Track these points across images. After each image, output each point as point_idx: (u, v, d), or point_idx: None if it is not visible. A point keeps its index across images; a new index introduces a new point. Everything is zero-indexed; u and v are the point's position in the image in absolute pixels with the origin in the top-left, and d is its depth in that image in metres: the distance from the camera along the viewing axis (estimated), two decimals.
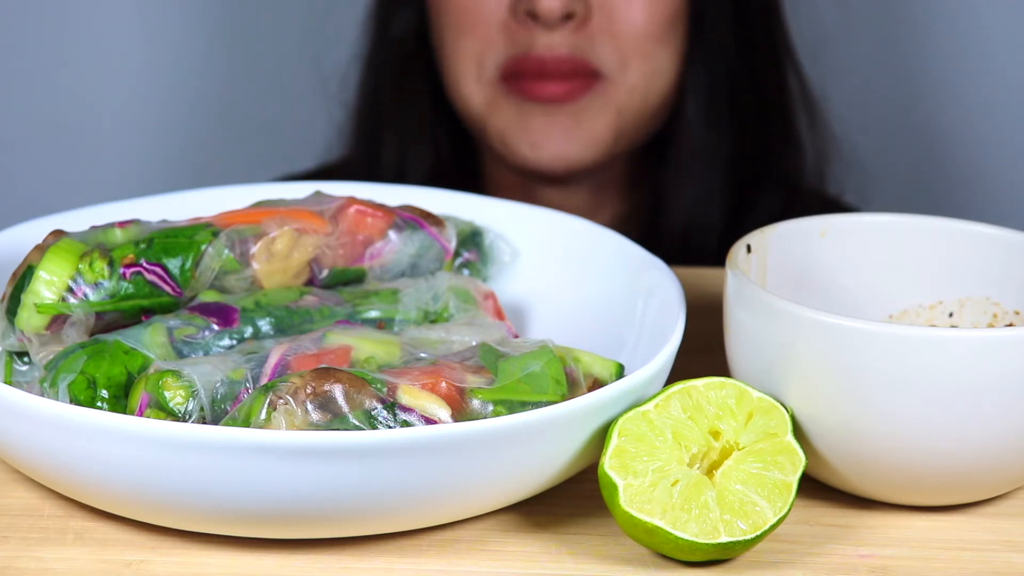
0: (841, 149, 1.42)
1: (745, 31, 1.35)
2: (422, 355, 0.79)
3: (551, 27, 1.25)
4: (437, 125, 1.38)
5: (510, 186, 1.38)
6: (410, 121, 1.38)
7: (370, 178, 1.37)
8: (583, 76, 1.27)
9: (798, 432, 0.77)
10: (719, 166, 1.35)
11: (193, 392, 0.75)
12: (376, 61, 1.40)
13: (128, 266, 0.81)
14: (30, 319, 0.80)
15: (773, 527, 0.73)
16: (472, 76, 1.29)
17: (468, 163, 1.40)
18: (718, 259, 1.29)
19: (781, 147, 1.39)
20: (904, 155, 1.80)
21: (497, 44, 1.27)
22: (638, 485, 0.73)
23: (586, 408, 0.74)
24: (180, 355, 0.80)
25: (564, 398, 0.76)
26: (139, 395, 0.76)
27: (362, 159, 1.41)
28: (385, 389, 0.74)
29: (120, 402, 0.77)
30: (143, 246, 0.82)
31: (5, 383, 0.79)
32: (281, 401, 0.72)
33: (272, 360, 0.77)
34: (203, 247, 0.83)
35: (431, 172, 1.38)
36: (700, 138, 1.34)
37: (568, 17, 1.25)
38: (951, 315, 0.87)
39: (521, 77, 1.27)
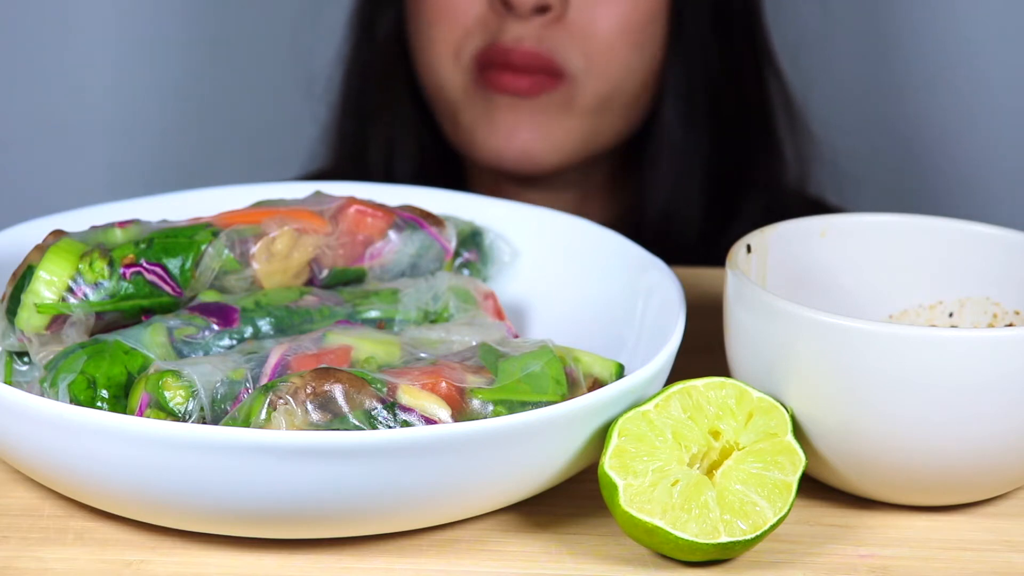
0: (822, 152, 1.43)
1: (725, 33, 1.36)
2: (422, 355, 0.79)
3: (523, 17, 1.25)
4: (422, 126, 1.38)
5: (492, 190, 1.38)
6: (395, 122, 1.38)
7: (356, 180, 1.37)
8: (547, 73, 1.27)
9: (798, 432, 0.77)
10: (697, 165, 1.35)
11: (193, 392, 0.75)
12: (360, 63, 1.41)
13: (128, 266, 0.81)
14: (30, 319, 0.80)
15: (773, 527, 0.73)
16: (449, 62, 1.30)
17: (454, 165, 1.41)
18: (697, 257, 1.29)
19: (762, 150, 1.39)
20: (885, 158, 1.80)
21: (473, 33, 1.28)
22: (638, 485, 0.73)
23: (586, 408, 0.74)
24: (180, 355, 0.80)
25: (564, 398, 0.76)
26: (139, 395, 0.76)
27: (348, 161, 1.41)
28: (385, 389, 0.74)
29: (120, 402, 0.77)
30: (143, 246, 0.82)
31: (5, 383, 0.79)
32: (281, 401, 0.72)
33: (272, 360, 0.77)
34: (203, 247, 0.83)
35: (417, 173, 1.38)
36: (678, 138, 1.34)
37: (543, 10, 1.26)
38: (951, 315, 0.87)
39: (488, 68, 1.28)
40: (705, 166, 1.36)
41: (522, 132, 1.28)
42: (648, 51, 1.30)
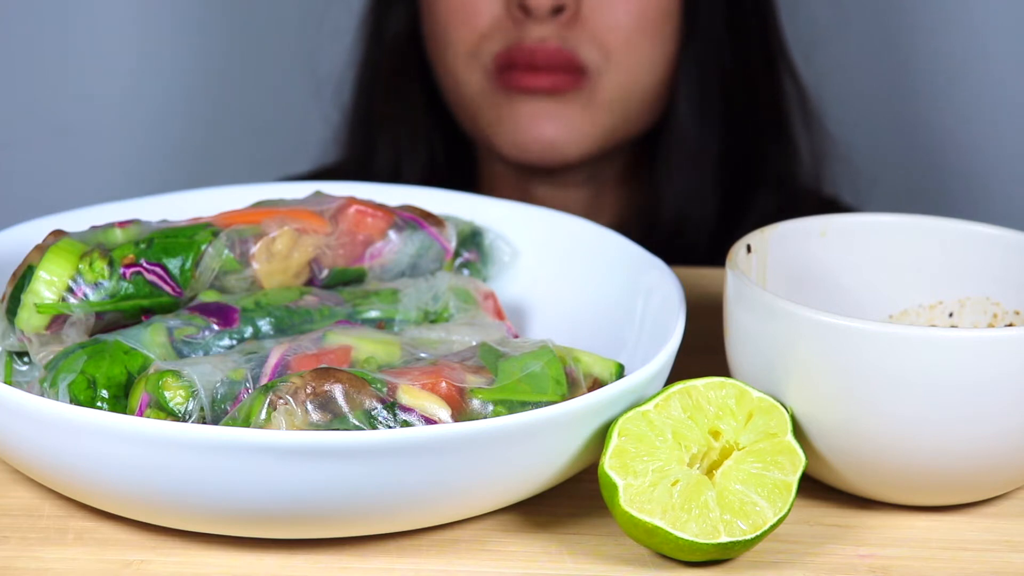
0: (838, 150, 1.43)
1: (738, 29, 1.36)
2: (422, 355, 0.79)
3: (541, 20, 1.26)
4: (432, 127, 1.39)
5: (506, 186, 1.38)
6: (405, 121, 1.39)
7: (365, 179, 1.37)
8: (570, 71, 1.28)
9: (798, 432, 0.77)
10: (711, 163, 1.36)
11: (193, 392, 0.75)
12: (371, 61, 1.41)
13: (128, 266, 0.81)
14: (30, 319, 0.80)
15: (773, 527, 0.73)
16: (466, 63, 1.31)
17: (462, 165, 1.41)
18: (710, 256, 1.30)
19: (776, 147, 1.40)
20: (899, 156, 1.80)
21: (491, 36, 1.29)
22: (638, 485, 0.73)
23: (586, 408, 0.74)
24: (180, 355, 0.80)
25: (564, 398, 0.76)
26: (139, 395, 0.76)
27: (357, 161, 1.41)
28: (385, 389, 0.74)
29: (120, 402, 0.77)
30: (143, 246, 0.82)
31: (5, 383, 0.79)
32: (281, 401, 0.72)
33: (272, 360, 0.77)
34: (203, 247, 0.83)
35: (426, 173, 1.38)
36: (692, 135, 1.35)
37: (558, 11, 1.27)
38: (951, 315, 0.87)
39: (512, 68, 1.28)
40: (718, 163, 1.36)
41: (545, 126, 1.30)
42: (664, 45, 1.31)
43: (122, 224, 0.84)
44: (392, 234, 0.88)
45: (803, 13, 1.48)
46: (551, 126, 1.30)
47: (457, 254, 0.92)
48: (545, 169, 1.33)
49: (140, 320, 0.82)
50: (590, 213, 1.38)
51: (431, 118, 1.39)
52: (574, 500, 0.79)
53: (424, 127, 1.39)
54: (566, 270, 0.93)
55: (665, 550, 0.73)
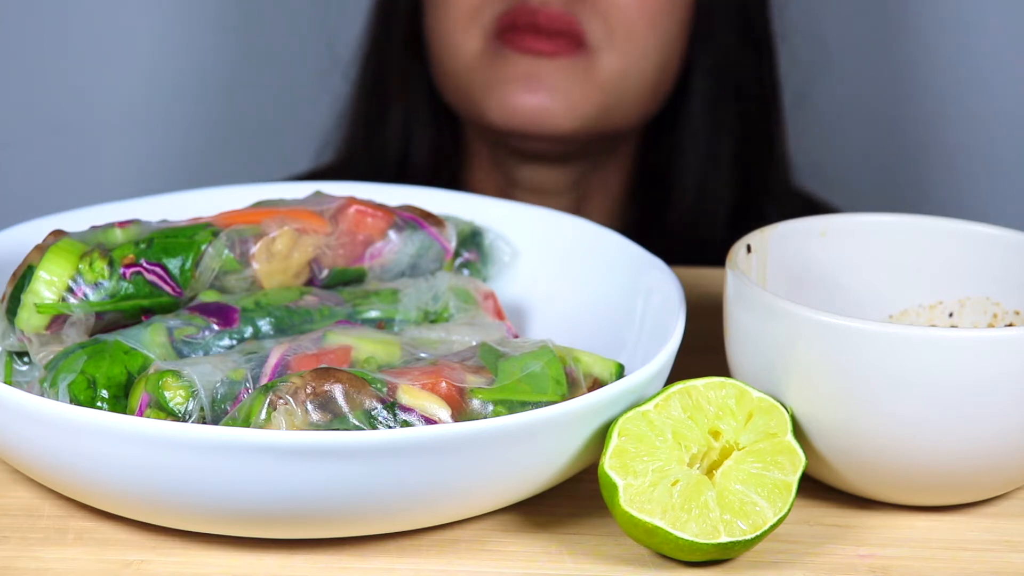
0: (830, 152, 1.44)
1: (747, 36, 1.37)
2: (422, 355, 0.79)
3: None
4: (437, 106, 1.39)
5: (490, 186, 1.38)
6: (415, 94, 1.39)
7: (374, 157, 1.38)
8: (570, 39, 1.28)
9: (798, 432, 0.77)
10: (724, 163, 1.36)
11: (193, 392, 0.75)
12: (381, 35, 1.41)
13: (128, 266, 0.81)
14: (30, 319, 0.80)
15: (773, 527, 0.73)
16: (466, 27, 1.30)
17: (452, 153, 1.42)
18: (720, 257, 1.30)
19: (777, 150, 1.40)
20: (889, 160, 1.80)
21: (494, 2, 1.29)
22: (638, 485, 0.73)
23: (586, 408, 0.74)
24: (180, 355, 0.80)
25: (564, 398, 0.76)
26: (139, 395, 0.76)
27: (365, 139, 1.41)
28: (385, 389, 0.74)
29: (120, 402, 0.77)
30: (143, 246, 0.82)
31: (5, 383, 0.79)
32: (281, 401, 0.72)
33: (272, 360, 0.77)
34: (203, 247, 0.83)
35: (434, 147, 1.38)
36: (706, 138, 1.35)
37: None
38: (951, 315, 0.87)
39: (513, 30, 1.28)
40: (731, 164, 1.36)
41: (539, 90, 1.29)
42: (666, 34, 1.31)
43: (122, 224, 0.84)
44: (392, 234, 0.88)
45: (797, 28, 1.49)
46: (541, 94, 1.29)
47: (457, 254, 0.92)
48: (531, 137, 1.31)
49: (140, 320, 0.82)
50: (571, 210, 1.38)
51: (432, 97, 1.39)
52: (574, 500, 0.79)
53: (432, 100, 1.39)
54: (566, 270, 0.93)
55: (665, 550, 0.73)
